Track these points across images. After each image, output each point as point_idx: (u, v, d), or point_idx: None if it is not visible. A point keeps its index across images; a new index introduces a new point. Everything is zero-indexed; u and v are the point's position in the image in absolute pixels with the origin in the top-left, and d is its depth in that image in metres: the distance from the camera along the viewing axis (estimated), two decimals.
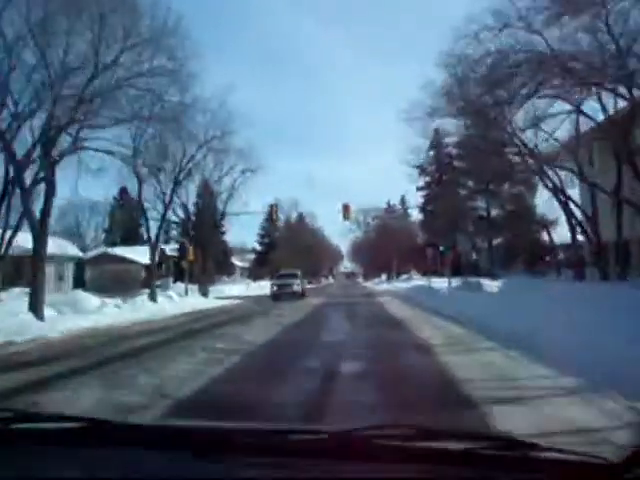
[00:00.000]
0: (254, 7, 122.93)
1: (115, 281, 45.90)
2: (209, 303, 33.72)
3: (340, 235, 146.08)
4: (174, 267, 52.17)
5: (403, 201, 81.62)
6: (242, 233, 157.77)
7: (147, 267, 54.58)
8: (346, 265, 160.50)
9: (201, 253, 41.78)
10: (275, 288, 38.85)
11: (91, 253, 54.75)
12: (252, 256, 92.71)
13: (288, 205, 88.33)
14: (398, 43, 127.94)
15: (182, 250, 41.48)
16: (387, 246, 70.19)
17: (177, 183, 34.08)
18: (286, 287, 38.01)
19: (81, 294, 27.81)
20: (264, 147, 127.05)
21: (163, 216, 35.11)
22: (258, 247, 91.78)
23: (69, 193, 58.17)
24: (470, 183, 44.66)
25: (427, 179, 64.74)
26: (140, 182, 30.85)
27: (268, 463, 1.39)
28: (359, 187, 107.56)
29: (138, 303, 28.08)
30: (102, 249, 57.63)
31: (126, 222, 66.06)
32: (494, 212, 46.09)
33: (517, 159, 29.58)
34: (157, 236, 33.77)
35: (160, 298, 32.76)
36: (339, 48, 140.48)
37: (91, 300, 26.02)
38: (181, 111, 26.20)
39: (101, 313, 22.68)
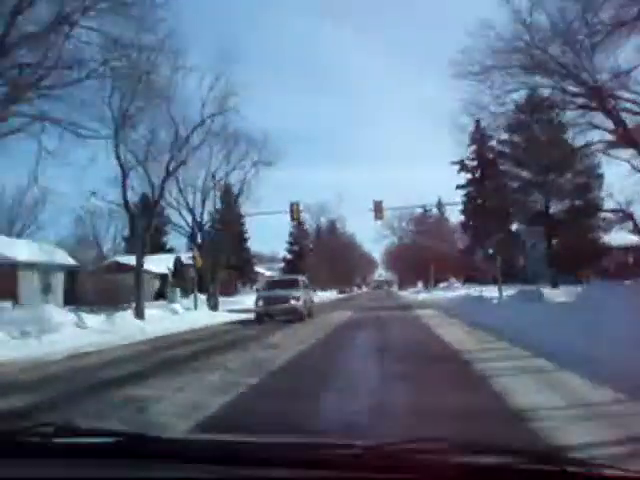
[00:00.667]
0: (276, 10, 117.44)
1: (119, 292, 40.96)
2: (213, 319, 27.97)
3: (374, 242, 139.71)
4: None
5: (440, 204, 74.79)
6: (274, 242, 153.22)
7: (162, 277, 50.79)
8: (380, 273, 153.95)
9: (211, 260, 36.14)
10: (260, 303, 25.17)
11: (105, 263, 50.02)
12: (282, 265, 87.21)
13: (318, 212, 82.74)
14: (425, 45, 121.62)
15: (194, 258, 36.43)
16: (424, 252, 63.81)
17: (168, 174, 28.10)
18: (278, 302, 24.22)
19: (47, 310, 22.32)
20: (296, 155, 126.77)
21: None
22: (288, 255, 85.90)
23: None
24: (523, 174, 37.87)
25: (468, 176, 58.32)
26: (124, 173, 25.24)
27: (303, 477, 1.39)
28: (393, 193, 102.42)
29: (117, 321, 22.77)
30: (113, 258, 52.70)
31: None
32: (554, 208, 39.21)
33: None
34: (143, 241, 27.85)
35: (156, 312, 28.28)
36: (370, 53, 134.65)
37: (58, 317, 21.16)
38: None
39: (57, 333, 18.17)
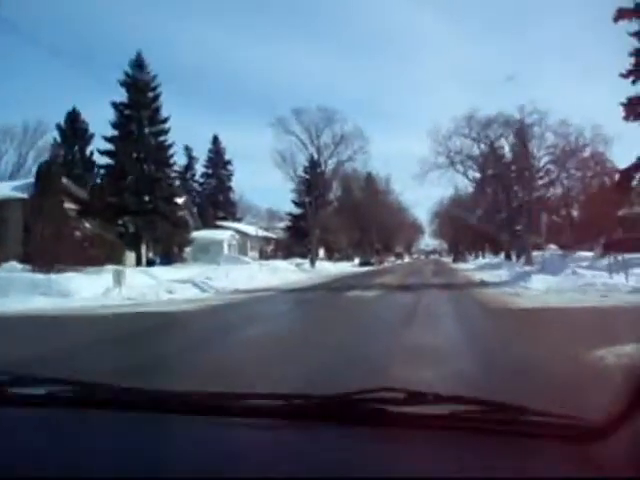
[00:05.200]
0: None
1: None
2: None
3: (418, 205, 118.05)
4: None
5: None
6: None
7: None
8: (427, 243, 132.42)
9: None
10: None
11: None
12: (282, 225, 67.07)
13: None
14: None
15: None
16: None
17: None
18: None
19: None
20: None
21: None
22: (295, 210, 65.32)
23: None
24: None
25: None
26: None
27: (256, 425, 1.41)
28: None
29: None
30: None
31: None
32: None
33: None
34: None
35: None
36: (432, 26, 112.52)
37: None
38: None
39: None
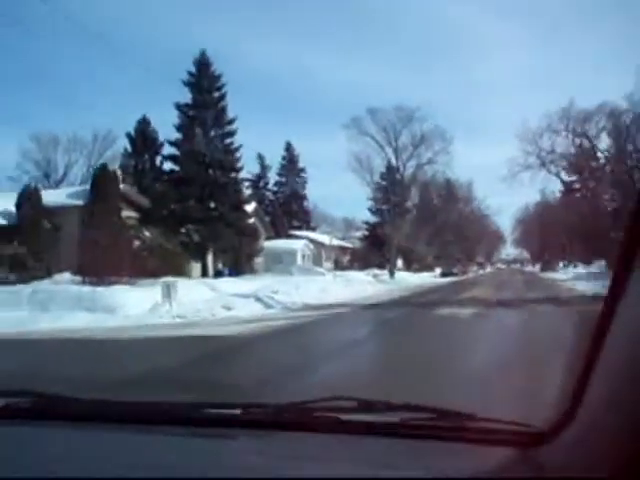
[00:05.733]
0: None
1: None
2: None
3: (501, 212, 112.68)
4: None
5: None
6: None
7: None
8: (508, 252, 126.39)
9: None
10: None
11: None
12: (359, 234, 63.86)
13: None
14: None
15: None
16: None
17: None
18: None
19: None
20: None
21: None
22: (371, 217, 61.96)
23: None
24: None
25: None
26: None
27: (211, 434, 1.43)
28: None
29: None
30: None
31: None
32: None
33: None
34: None
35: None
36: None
37: None
38: None
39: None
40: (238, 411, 1.49)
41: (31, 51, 74.51)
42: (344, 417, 1.39)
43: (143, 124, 43.00)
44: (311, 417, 1.44)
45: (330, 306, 18.40)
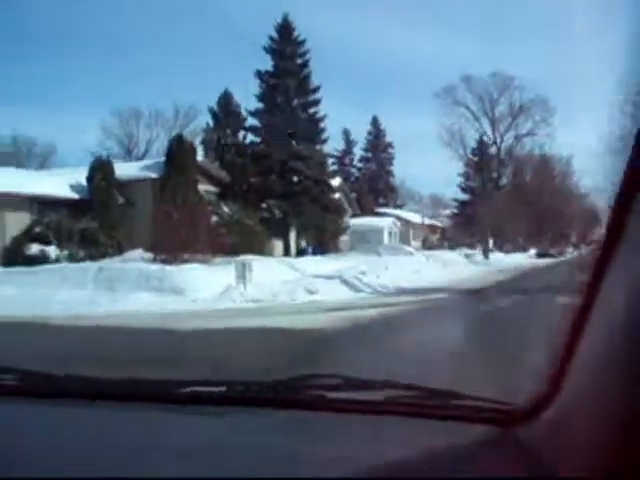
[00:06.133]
0: None
1: None
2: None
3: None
4: None
5: None
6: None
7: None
8: (602, 232, 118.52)
9: None
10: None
11: None
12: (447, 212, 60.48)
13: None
14: None
15: None
16: None
17: None
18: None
19: None
20: None
21: None
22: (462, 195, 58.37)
23: None
24: None
25: None
26: None
27: (196, 412, 1.42)
28: None
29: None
30: None
31: None
32: None
33: None
34: None
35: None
36: None
37: None
38: None
39: None
40: (222, 388, 1.50)
41: (114, 26, 75.16)
42: (329, 395, 1.40)
43: (225, 98, 41.64)
44: (296, 394, 1.46)
45: (428, 291, 15.88)
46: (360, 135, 62.61)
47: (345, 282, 16.35)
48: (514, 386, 2.84)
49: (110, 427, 1.34)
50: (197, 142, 38.41)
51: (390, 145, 61.72)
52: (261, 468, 1.09)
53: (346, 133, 59.13)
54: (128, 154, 48.24)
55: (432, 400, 1.40)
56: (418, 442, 1.20)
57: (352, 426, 1.31)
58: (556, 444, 1.00)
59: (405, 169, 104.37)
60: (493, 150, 48.13)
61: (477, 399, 1.36)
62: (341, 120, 59.92)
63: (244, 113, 35.96)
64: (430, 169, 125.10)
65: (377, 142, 61.59)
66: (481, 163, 50.28)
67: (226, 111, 40.83)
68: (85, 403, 1.46)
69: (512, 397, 1.29)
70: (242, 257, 17.22)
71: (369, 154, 61.71)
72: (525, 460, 1.08)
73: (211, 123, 41.41)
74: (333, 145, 34.05)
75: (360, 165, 61.96)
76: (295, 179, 29.00)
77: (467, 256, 40.50)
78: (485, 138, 48.87)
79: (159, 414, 1.40)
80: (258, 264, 15.91)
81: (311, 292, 14.14)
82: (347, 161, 60.32)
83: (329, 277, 16.95)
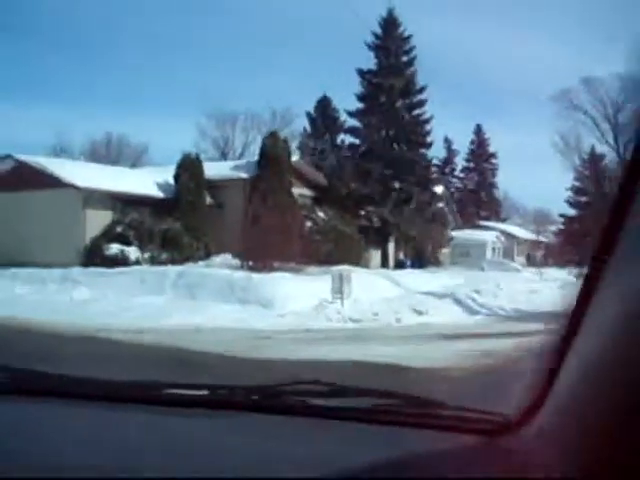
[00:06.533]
0: None
1: None
2: None
3: None
4: None
5: None
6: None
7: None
8: None
9: None
10: None
11: None
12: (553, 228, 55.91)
13: None
14: None
15: None
16: None
17: None
18: None
19: None
20: None
21: None
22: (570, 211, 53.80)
23: None
24: None
25: None
26: None
27: (178, 414, 1.40)
28: None
29: None
30: None
31: None
32: None
33: None
34: None
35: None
36: None
37: None
38: None
39: None
40: (206, 392, 1.50)
41: (212, 30, 75.70)
42: (314, 401, 1.39)
43: (324, 103, 40.24)
44: (280, 400, 1.45)
45: (557, 316, 13.31)
46: (461, 144, 59.73)
47: (458, 301, 13.97)
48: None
49: (100, 427, 1.33)
50: (294, 147, 37.21)
51: (494, 155, 58.42)
52: (242, 470, 1.08)
53: (447, 141, 56.44)
54: (223, 157, 47.66)
55: (418, 409, 1.39)
56: (403, 450, 1.18)
57: (336, 433, 1.30)
58: (543, 453, 1.00)
59: (509, 181, 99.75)
60: (614, 160, 43.78)
61: (464, 409, 1.34)
62: (441, 127, 56.91)
63: (343, 114, 34.37)
64: (536, 181, 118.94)
65: (480, 151, 58.47)
66: (598, 174, 46.03)
67: (324, 116, 39.45)
68: (74, 403, 1.45)
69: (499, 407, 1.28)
70: (338, 267, 15.19)
71: (471, 164, 58.65)
72: (512, 470, 1.07)
73: (308, 128, 40.19)
74: (433, 153, 31.83)
75: (462, 175, 59.00)
76: (397, 185, 26.80)
77: (577, 276, 37.17)
78: (605, 147, 44.61)
79: (146, 415, 1.38)
80: (356, 276, 13.85)
81: (419, 312, 11.92)
82: (448, 170, 57.54)
83: (438, 295, 14.60)
